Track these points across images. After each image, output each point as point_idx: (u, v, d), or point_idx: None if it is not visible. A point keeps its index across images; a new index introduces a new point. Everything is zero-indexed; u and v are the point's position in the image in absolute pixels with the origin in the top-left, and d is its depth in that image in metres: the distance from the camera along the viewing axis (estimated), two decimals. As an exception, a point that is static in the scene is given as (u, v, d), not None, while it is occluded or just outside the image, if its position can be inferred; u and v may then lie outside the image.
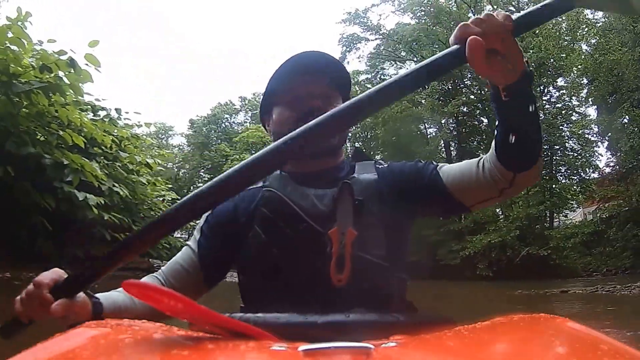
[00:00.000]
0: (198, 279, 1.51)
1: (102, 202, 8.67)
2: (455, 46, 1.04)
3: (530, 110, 1.19)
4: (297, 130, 1.03)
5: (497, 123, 1.27)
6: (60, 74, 7.63)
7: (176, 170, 48.89)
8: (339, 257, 1.26)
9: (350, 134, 37.97)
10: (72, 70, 7.55)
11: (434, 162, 1.52)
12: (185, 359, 0.63)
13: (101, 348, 0.69)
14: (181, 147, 57.50)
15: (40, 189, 7.38)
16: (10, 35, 7.08)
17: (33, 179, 7.24)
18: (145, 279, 1.49)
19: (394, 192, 1.45)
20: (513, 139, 1.23)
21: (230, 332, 0.77)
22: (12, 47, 6.98)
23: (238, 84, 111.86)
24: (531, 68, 1.18)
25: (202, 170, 48.62)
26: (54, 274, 1.19)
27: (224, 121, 54.63)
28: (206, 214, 1.56)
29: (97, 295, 1.28)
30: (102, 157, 10.28)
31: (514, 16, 1.05)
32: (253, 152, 35.67)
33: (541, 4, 1.09)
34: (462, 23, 1.05)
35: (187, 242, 1.58)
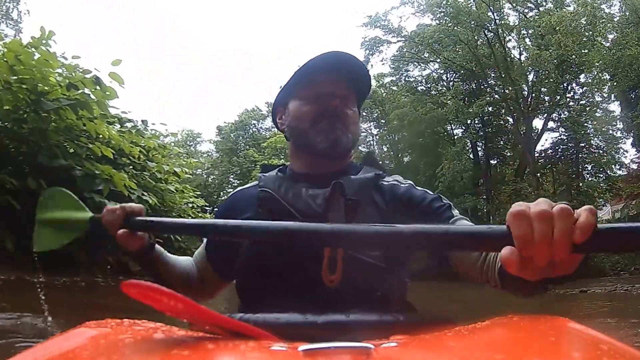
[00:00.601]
0: (209, 270, 1.62)
1: None
2: (503, 230, 0.83)
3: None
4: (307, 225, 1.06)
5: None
6: (86, 90, 8.00)
7: (205, 176, 49.38)
8: (330, 258, 1.26)
9: (365, 136, 38.07)
10: (98, 87, 7.93)
11: (453, 210, 1.42)
12: (185, 358, 0.64)
13: (101, 348, 0.70)
14: (210, 154, 58.02)
15: None
16: (37, 56, 7.47)
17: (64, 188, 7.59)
18: (183, 259, 1.68)
19: (394, 208, 1.42)
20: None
21: (230, 332, 0.78)
22: (40, 66, 7.37)
23: (242, 85, 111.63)
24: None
25: (232, 176, 48.93)
26: (136, 210, 1.44)
27: (251, 127, 55.10)
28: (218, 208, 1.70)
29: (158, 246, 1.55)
30: (130, 168, 10.62)
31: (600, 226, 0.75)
32: (282, 157, 35.87)
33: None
34: (518, 208, 0.83)
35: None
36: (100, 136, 8.78)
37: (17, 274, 6.47)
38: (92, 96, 8.03)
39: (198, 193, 18.90)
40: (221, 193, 45.46)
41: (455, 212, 1.43)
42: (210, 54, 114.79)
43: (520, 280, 0.85)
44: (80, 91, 7.95)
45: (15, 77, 7.18)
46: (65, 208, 1.62)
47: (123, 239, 1.42)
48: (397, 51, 34.76)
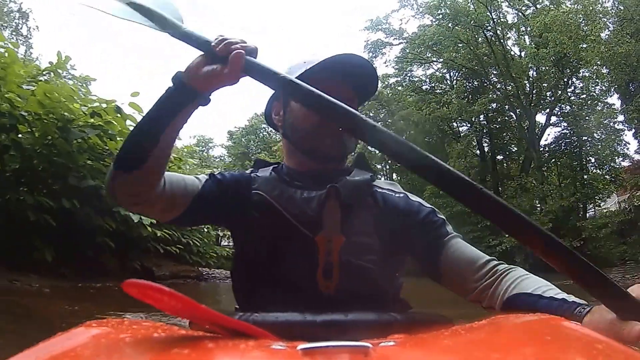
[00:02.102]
0: (187, 199, 1.41)
1: (155, 221, 9.89)
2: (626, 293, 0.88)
3: None
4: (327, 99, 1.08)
5: (536, 298, 1.14)
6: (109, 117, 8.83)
7: (219, 182, 49.30)
8: (326, 265, 1.26)
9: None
10: (119, 115, 8.75)
11: (447, 226, 1.44)
12: (185, 357, 0.64)
13: (102, 347, 0.70)
14: (222, 159, 58.38)
15: (100, 214, 8.55)
16: (58, 86, 8.25)
17: (94, 205, 8.37)
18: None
19: (389, 216, 1.41)
20: None
21: (230, 332, 0.78)
22: (65, 101, 8.12)
23: (251, 89, 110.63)
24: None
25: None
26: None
27: (261, 131, 55.11)
28: (219, 171, 1.58)
29: None
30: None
31: None
32: None
33: None
34: None
35: (196, 176, 1.51)
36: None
37: (55, 281, 7.52)
38: (115, 122, 8.84)
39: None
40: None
41: (449, 228, 1.43)
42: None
43: None
44: (103, 119, 8.78)
45: (44, 110, 7.95)
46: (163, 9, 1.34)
47: (222, 80, 1.21)
48: (399, 52, 34.96)
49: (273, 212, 1.36)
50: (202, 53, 1.22)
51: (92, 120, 8.67)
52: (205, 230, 14.98)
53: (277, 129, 1.61)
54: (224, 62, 1.17)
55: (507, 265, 1.31)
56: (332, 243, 1.27)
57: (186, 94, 1.23)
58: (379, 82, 1.71)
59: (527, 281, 1.22)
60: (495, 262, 1.33)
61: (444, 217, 1.46)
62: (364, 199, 1.41)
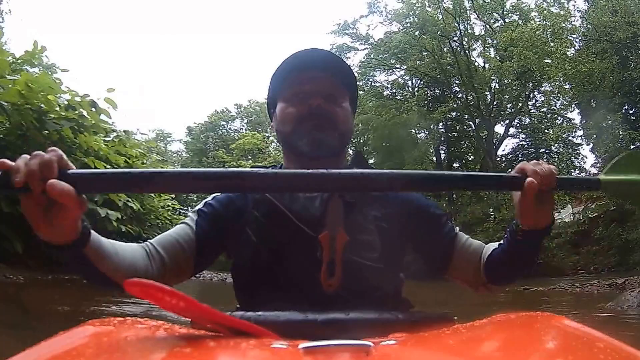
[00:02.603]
0: (190, 257, 1.38)
1: (120, 216, 9.95)
2: (516, 175, 1.18)
3: (534, 255, 1.37)
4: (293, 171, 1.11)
5: (499, 247, 1.38)
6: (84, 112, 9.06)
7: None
8: (329, 263, 1.25)
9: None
10: (94, 109, 8.98)
11: (450, 221, 1.52)
12: (187, 356, 0.65)
13: (104, 345, 0.70)
14: (179, 154, 57.96)
15: None
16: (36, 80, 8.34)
17: None
18: (133, 246, 1.31)
19: (395, 212, 1.42)
20: (507, 267, 1.38)
21: (231, 330, 0.78)
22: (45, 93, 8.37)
23: (211, 86, 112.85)
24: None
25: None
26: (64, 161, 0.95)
27: (220, 128, 55.32)
28: (206, 200, 1.49)
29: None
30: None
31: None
32: (249, 158, 36.04)
33: (575, 176, 1.15)
34: (523, 163, 1.20)
35: (185, 221, 1.44)
36: (91, 148, 9.62)
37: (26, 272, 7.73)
38: (88, 117, 8.97)
39: (172, 196, 19.33)
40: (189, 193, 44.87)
41: (451, 222, 1.51)
42: (179, 53, 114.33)
43: (521, 245, 1.29)
44: (77, 112, 8.97)
45: (23, 100, 8.01)
46: None
47: (62, 196, 0.91)
48: (364, 58, 35.26)
49: (275, 212, 1.34)
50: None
51: (65, 113, 8.69)
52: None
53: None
54: (37, 195, 0.92)
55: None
56: (335, 241, 1.26)
57: (62, 253, 1.05)
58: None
59: (486, 247, 1.45)
60: (483, 246, 1.47)
61: (445, 212, 1.52)
62: (367, 196, 1.40)
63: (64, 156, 0.95)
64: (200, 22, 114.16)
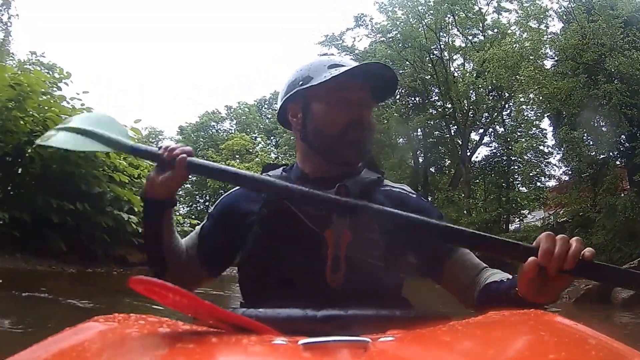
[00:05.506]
0: (195, 261, 1.50)
1: (138, 220, 11.53)
2: (529, 246, 1.07)
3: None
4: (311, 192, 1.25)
5: (496, 285, 1.28)
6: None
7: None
8: (334, 259, 1.27)
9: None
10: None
11: None
12: (190, 352, 0.65)
13: (109, 341, 0.72)
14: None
15: (100, 213, 10.84)
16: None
17: (96, 207, 10.64)
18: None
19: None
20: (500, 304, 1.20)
21: (233, 327, 0.79)
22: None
23: (203, 87, 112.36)
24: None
25: (193, 176, 48.39)
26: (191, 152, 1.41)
27: (211, 128, 55.79)
28: (217, 202, 1.60)
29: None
30: (130, 185, 12.78)
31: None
32: (237, 158, 36.42)
33: (617, 267, 1.10)
34: (545, 235, 1.07)
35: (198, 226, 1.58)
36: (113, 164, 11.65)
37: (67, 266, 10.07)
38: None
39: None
40: (180, 191, 45.03)
41: None
42: (170, 54, 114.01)
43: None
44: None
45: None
46: (109, 130, 1.56)
47: (176, 181, 1.40)
48: (349, 67, 35.45)
49: (283, 209, 1.34)
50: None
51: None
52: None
53: (291, 129, 1.57)
54: (171, 167, 1.37)
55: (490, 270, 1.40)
56: (340, 238, 1.28)
57: (154, 207, 1.44)
58: None
59: (488, 273, 1.37)
60: (486, 269, 1.41)
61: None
62: (374, 197, 1.40)
63: (190, 149, 1.42)
64: (198, 25, 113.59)
